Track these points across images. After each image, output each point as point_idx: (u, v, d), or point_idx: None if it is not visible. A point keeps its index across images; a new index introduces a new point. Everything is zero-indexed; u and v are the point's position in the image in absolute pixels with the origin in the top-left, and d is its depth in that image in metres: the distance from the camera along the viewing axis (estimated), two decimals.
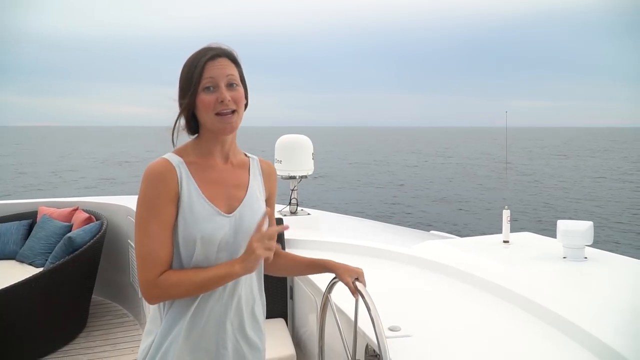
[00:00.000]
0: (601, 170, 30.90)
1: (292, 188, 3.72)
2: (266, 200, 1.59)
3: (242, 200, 1.47)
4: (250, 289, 1.51)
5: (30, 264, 4.23)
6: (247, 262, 1.34)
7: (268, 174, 1.61)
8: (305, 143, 3.67)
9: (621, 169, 31.55)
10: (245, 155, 1.59)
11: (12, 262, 4.33)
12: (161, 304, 1.42)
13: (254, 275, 1.52)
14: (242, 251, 1.41)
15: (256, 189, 1.53)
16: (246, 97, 1.48)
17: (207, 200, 1.40)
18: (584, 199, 20.05)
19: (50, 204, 4.82)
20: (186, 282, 1.33)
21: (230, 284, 1.42)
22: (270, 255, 1.36)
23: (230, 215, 1.43)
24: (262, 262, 1.53)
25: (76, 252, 3.79)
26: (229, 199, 1.45)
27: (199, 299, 1.39)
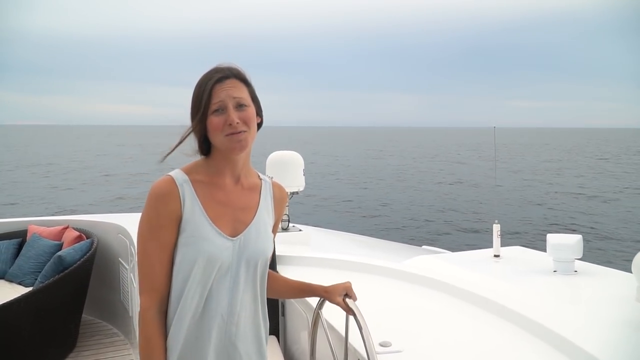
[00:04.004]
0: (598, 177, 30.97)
1: None
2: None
3: (249, 224, 1.43)
4: (249, 319, 1.43)
5: (19, 284, 4.17)
6: None
7: (279, 199, 1.57)
8: (296, 160, 3.69)
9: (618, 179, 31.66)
10: (259, 177, 1.55)
11: (1, 282, 4.27)
12: None
13: (249, 303, 1.43)
14: (242, 276, 1.38)
15: (265, 214, 1.49)
16: (260, 115, 1.46)
17: (210, 221, 1.37)
18: (576, 211, 20.16)
19: (40, 222, 4.78)
20: (147, 347, 1.33)
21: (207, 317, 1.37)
22: None
23: (235, 238, 1.39)
24: (264, 288, 1.49)
25: (66, 271, 3.75)
26: (234, 222, 1.41)
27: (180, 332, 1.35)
